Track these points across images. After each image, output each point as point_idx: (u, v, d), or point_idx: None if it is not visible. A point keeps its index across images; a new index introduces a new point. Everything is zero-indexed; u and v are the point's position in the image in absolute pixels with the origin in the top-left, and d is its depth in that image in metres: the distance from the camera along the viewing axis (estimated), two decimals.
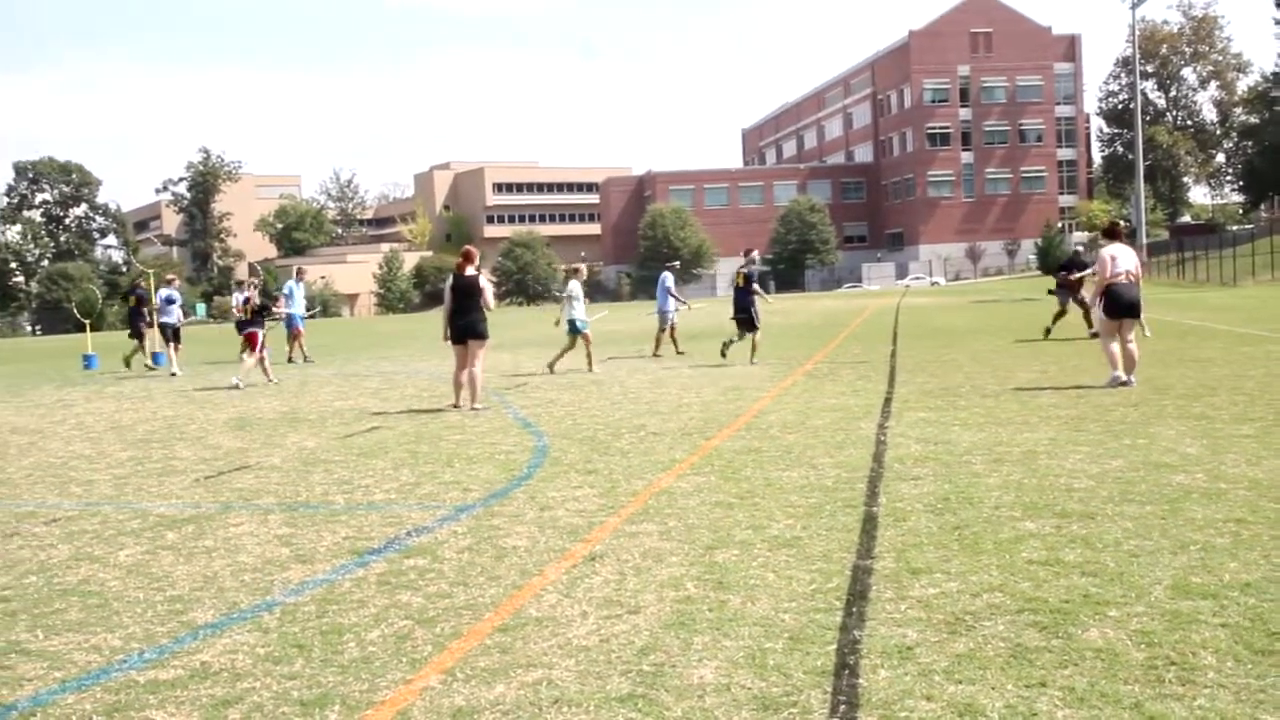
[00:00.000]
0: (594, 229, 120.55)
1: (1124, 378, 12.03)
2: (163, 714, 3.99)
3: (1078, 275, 20.71)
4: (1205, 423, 9.38)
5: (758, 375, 15.93)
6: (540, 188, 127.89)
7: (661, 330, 21.20)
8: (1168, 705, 3.61)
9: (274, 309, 19.19)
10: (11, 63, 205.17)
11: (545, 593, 5.25)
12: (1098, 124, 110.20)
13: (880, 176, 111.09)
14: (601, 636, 4.58)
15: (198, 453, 10.67)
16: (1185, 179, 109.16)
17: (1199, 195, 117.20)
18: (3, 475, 9.85)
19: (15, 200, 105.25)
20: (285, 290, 24.09)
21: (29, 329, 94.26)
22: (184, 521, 7.37)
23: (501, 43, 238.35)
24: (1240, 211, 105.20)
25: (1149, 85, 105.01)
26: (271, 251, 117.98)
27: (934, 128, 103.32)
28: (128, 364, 23.94)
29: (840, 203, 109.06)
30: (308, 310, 26.92)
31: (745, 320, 17.93)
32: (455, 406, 13.16)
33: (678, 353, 20.94)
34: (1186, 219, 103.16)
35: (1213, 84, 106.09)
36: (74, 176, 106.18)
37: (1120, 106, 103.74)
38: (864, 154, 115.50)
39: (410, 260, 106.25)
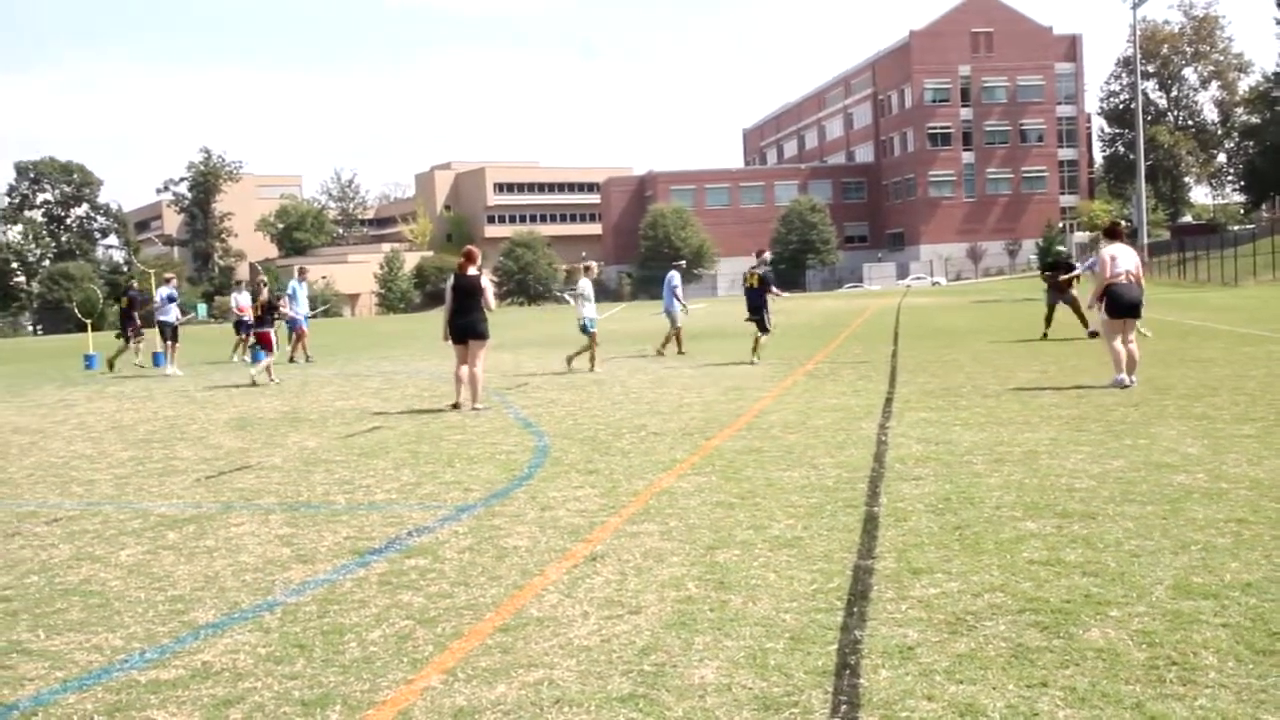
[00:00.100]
0: (595, 229, 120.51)
1: (1126, 380, 12.03)
2: (164, 714, 3.99)
3: (1065, 276, 20.80)
4: (1206, 423, 9.38)
5: (759, 375, 15.93)
6: (541, 188, 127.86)
7: (675, 328, 21.18)
8: (1169, 705, 3.61)
9: (280, 309, 19.21)
10: (13, 62, 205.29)
11: (546, 593, 5.26)
12: (1099, 124, 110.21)
13: (881, 176, 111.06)
14: (602, 636, 4.58)
15: (199, 453, 10.67)
16: (1186, 179, 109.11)
17: (1200, 195, 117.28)
18: (4, 475, 9.85)
19: (17, 200, 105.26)
20: (289, 290, 24.10)
21: (30, 329, 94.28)
22: (185, 521, 7.38)
23: (502, 42, 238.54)
24: (1241, 212, 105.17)
25: (1150, 85, 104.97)
26: (273, 251, 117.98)
27: (935, 128, 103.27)
28: (111, 366, 23.97)
29: (841, 203, 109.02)
30: (313, 309, 26.94)
31: (758, 322, 18.20)
32: (455, 405, 13.14)
33: (679, 353, 20.94)
34: (1188, 219, 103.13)
35: (1214, 84, 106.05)
36: (75, 176, 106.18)
37: (1121, 106, 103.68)
38: (865, 154, 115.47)
39: (411, 260, 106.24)
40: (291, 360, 23.68)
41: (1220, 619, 4.40)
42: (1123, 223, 14.98)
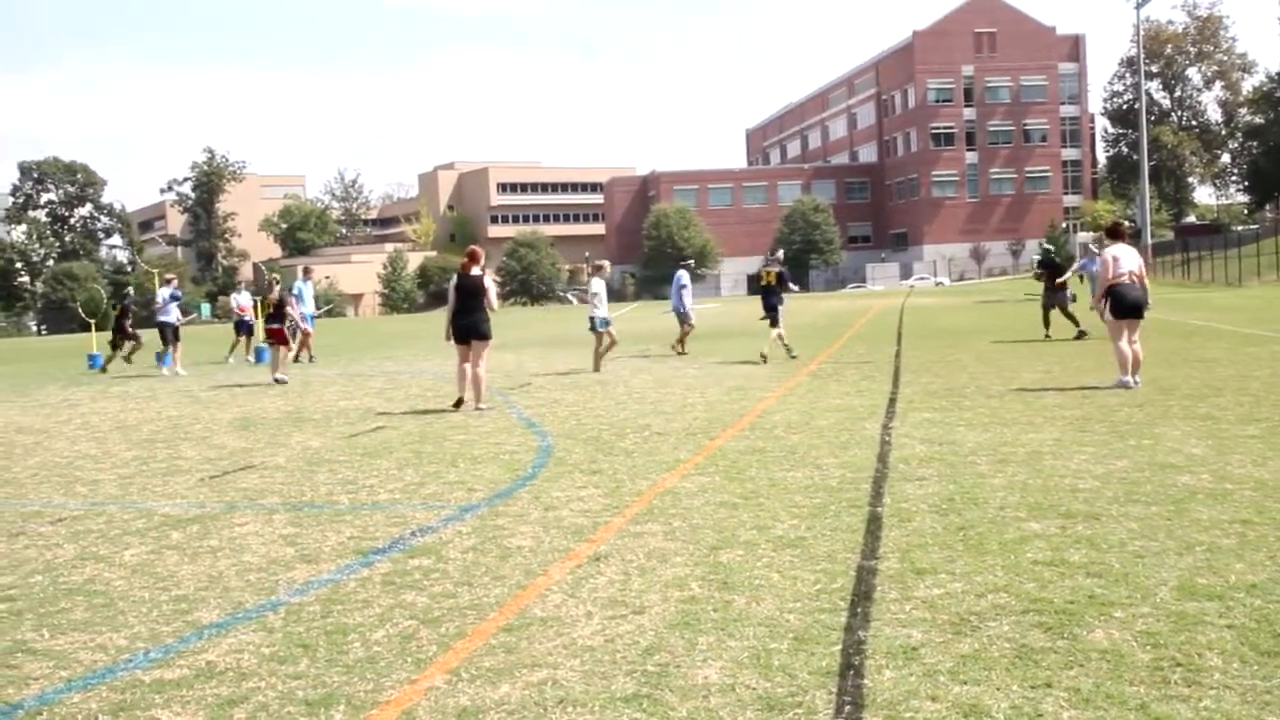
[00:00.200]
0: (598, 229, 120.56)
1: (1131, 381, 12.01)
2: (168, 713, 3.99)
3: (1060, 279, 20.81)
4: (1211, 423, 9.37)
5: (762, 375, 15.92)
6: (544, 188, 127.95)
7: (690, 327, 21.16)
8: (1173, 706, 3.60)
9: (287, 310, 19.25)
10: (17, 62, 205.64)
11: (550, 593, 5.26)
12: (1102, 124, 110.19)
13: (884, 176, 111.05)
14: (606, 637, 4.58)
15: (202, 452, 10.68)
16: (1190, 179, 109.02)
17: (1204, 195, 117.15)
18: (9, 475, 9.86)
19: (20, 200, 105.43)
20: (294, 290, 24.10)
21: (34, 329, 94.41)
22: (189, 521, 7.38)
23: (506, 43, 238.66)
24: (1245, 212, 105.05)
25: (1154, 85, 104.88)
26: (276, 251, 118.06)
27: (938, 128, 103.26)
28: (104, 369, 24.20)
29: (844, 203, 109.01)
30: (319, 309, 26.96)
31: (774, 320, 18.28)
32: (459, 403, 13.09)
33: (681, 352, 20.92)
34: (1191, 219, 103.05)
35: (1218, 84, 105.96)
36: (79, 176, 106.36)
37: (1125, 107, 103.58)
38: (868, 154, 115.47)
39: (414, 260, 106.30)
40: (295, 360, 23.68)
41: (1225, 620, 4.39)
42: (1126, 223, 14.98)
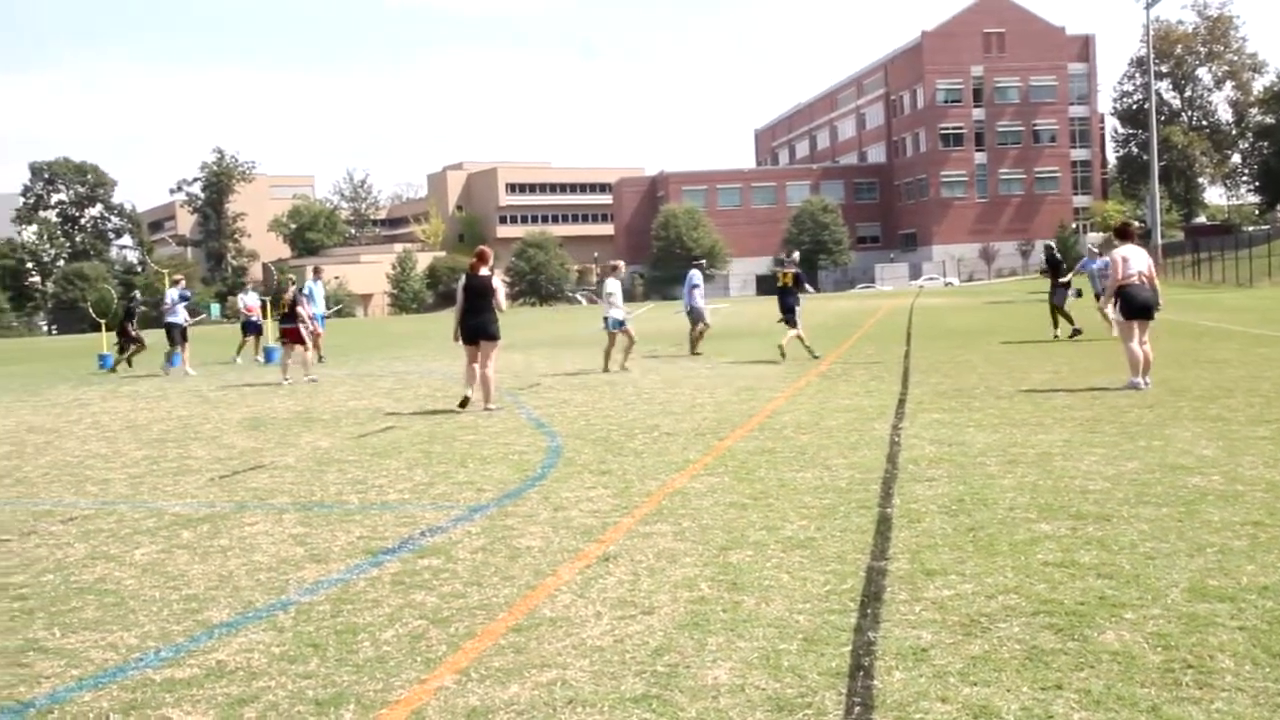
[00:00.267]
0: (607, 229, 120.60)
1: (1141, 383, 11.98)
2: (179, 712, 4.00)
3: (1064, 279, 20.83)
4: (1222, 424, 9.34)
5: (771, 376, 15.91)
6: (553, 188, 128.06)
7: (704, 327, 21.17)
8: (1185, 709, 3.59)
9: (299, 310, 19.30)
10: (29, 63, 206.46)
11: (559, 593, 5.26)
12: (1112, 124, 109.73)
13: (893, 177, 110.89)
14: (615, 637, 4.58)
15: (212, 452, 10.71)
16: (1200, 179, 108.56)
17: (1214, 196, 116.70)
18: (20, 474, 9.90)
19: (31, 200, 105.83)
20: (305, 291, 24.15)
21: (45, 328, 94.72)
22: (199, 521, 7.40)
23: (517, 43, 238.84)
24: (1256, 212, 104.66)
25: (1164, 85, 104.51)
26: (285, 252, 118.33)
27: (947, 128, 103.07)
28: (114, 369, 24.42)
29: (853, 203, 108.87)
30: (328, 309, 26.99)
31: (790, 321, 18.43)
32: (465, 401, 13.00)
33: (696, 353, 20.91)
34: (1202, 220, 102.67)
35: (1228, 84, 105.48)
36: (89, 177, 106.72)
37: (1135, 107, 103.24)
38: (877, 154, 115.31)
39: (423, 260, 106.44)
40: (320, 360, 23.71)
41: (1237, 622, 4.38)
42: (1135, 223, 14.96)
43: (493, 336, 12.89)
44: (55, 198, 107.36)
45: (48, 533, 7.24)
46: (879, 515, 6.55)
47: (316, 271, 26.24)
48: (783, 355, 18.04)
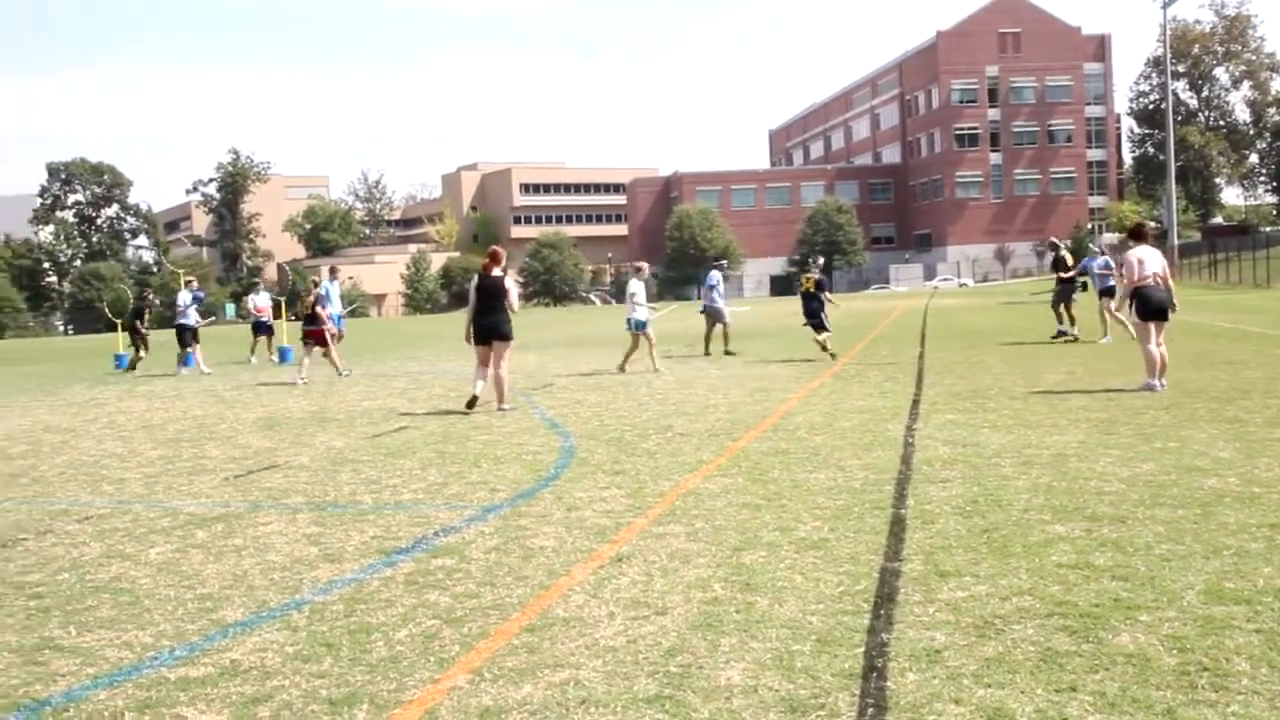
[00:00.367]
0: (621, 230, 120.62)
1: (1157, 385, 11.92)
2: (193, 711, 4.02)
3: (1065, 275, 20.95)
4: (1238, 426, 9.29)
5: (785, 377, 15.90)
6: (567, 188, 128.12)
7: (726, 326, 21.21)
8: (1200, 711, 3.57)
9: (319, 312, 19.38)
10: (45, 64, 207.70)
11: (572, 593, 5.26)
12: (1128, 124, 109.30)
13: (908, 177, 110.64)
14: (628, 637, 4.58)
15: (227, 452, 10.75)
16: (1217, 180, 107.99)
17: (1231, 196, 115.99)
18: (36, 473, 9.95)
19: (49, 201, 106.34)
20: (322, 290, 24.20)
21: (62, 328, 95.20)
22: (214, 520, 7.43)
23: (532, 44, 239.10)
24: (1274, 213, 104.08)
25: (1180, 85, 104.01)
26: (300, 252, 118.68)
27: (962, 128, 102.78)
28: (129, 368, 24.53)
29: (868, 203, 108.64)
30: (346, 307, 27.05)
31: (816, 325, 18.58)
32: (471, 403, 12.89)
33: (705, 354, 20.93)
34: (1218, 220, 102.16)
35: (1245, 84, 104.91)
36: (106, 177, 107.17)
37: (1151, 107, 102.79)
38: (891, 155, 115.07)
39: (438, 261, 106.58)
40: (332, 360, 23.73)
41: (1253, 625, 4.35)
42: (1151, 224, 14.98)
43: (505, 337, 12.90)
44: (72, 198, 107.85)
45: (64, 532, 7.28)
46: (893, 516, 6.54)
47: (333, 272, 26.28)
48: (832, 356, 18.28)
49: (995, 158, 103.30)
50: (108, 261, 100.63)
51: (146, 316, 25.65)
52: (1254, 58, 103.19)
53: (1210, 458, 7.90)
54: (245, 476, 9.20)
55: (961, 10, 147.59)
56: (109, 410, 15.58)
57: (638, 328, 17.87)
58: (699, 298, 21.84)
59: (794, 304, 18.87)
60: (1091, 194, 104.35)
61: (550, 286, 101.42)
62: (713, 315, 21.12)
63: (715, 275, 21.48)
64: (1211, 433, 9.01)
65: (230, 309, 74.87)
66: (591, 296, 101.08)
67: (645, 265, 19.40)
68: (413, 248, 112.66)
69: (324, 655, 4.55)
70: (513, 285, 13.17)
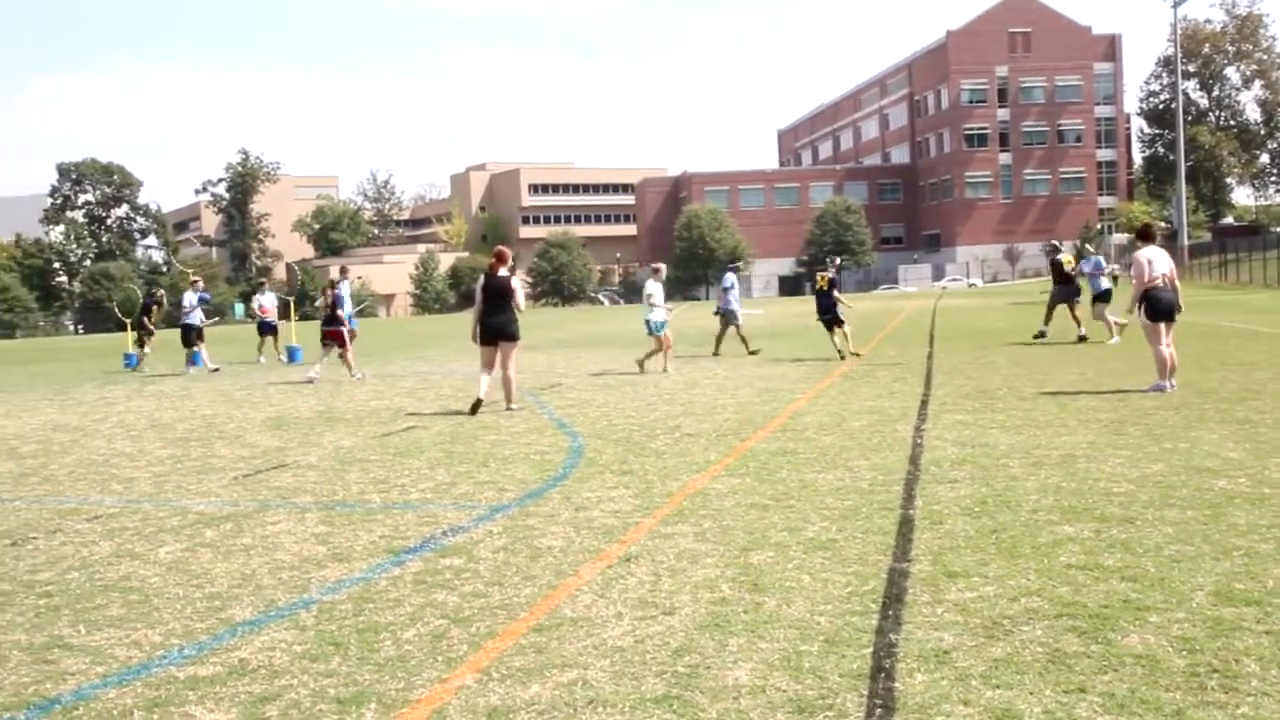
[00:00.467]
0: (630, 230, 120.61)
1: (1167, 386, 11.89)
2: (202, 710, 4.02)
3: (1064, 278, 21.09)
4: (1249, 427, 9.26)
5: (793, 377, 15.89)
6: (576, 189, 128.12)
7: (739, 328, 21.24)
8: (1210, 713, 3.56)
9: (339, 313, 19.41)
10: (56, 65, 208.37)
11: (580, 593, 5.26)
12: (1138, 124, 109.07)
13: (917, 177, 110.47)
14: (636, 637, 4.58)
15: (236, 451, 10.77)
16: (1228, 180, 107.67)
17: (1242, 196, 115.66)
18: (46, 472, 9.98)
19: (59, 201, 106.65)
20: (340, 291, 24.20)
21: (72, 328, 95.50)
22: (222, 519, 7.45)
23: (539, 44, 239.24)
24: None
25: (1191, 85, 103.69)
26: (309, 252, 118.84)
27: (972, 128, 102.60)
28: (139, 367, 24.64)
29: (877, 204, 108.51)
30: (355, 307, 27.06)
31: (832, 320, 18.83)
32: (475, 407, 12.74)
33: (715, 353, 20.92)
34: (1229, 220, 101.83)
35: (1257, 83, 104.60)
36: (115, 177, 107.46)
37: (1161, 107, 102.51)
38: (900, 155, 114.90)
39: (446, 261, 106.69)
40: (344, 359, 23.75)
41: (1263, 626, 4.34)
42: (1162, 224, 14.99)
43: (512, 337, 12.90)
44: (82, 198, 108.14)
45: (73, 530, 7.30)
46: (901, 517, 6.53)
47: (343, 271, 26.33)
48: (855, 354, 18.67)
49: (1005, 158, 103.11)
50: (117, 261, 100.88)
51: (155, 312, 25.76)
52: (1265, 57, 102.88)
53: (1220, 458, 7.87)
54: (254, 476, 9.22)
55: (971, 10, 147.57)
56: (118, 409, 15.62)
57: (658, 329, 17.87)
58: (708, 298, 21.92)
59: (803, 304, 18.89)
60: (1101, 194, 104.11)
61: (559, 286, 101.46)
62: (727, 318, 21.15)
63: (730, 277, 21.53)
64: (1222, 433, 8.98)
65: (239, 309, 75.11)
66: (600, 297, 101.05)
67: (663, 266, 19.42)
68: (421, 248, 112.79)
69: (332, 654, 4.55)
70: (518, 285, 13.16)
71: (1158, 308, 12.01)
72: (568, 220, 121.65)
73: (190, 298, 23.15)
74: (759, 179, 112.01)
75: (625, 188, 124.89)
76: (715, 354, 20.91)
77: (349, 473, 9.13)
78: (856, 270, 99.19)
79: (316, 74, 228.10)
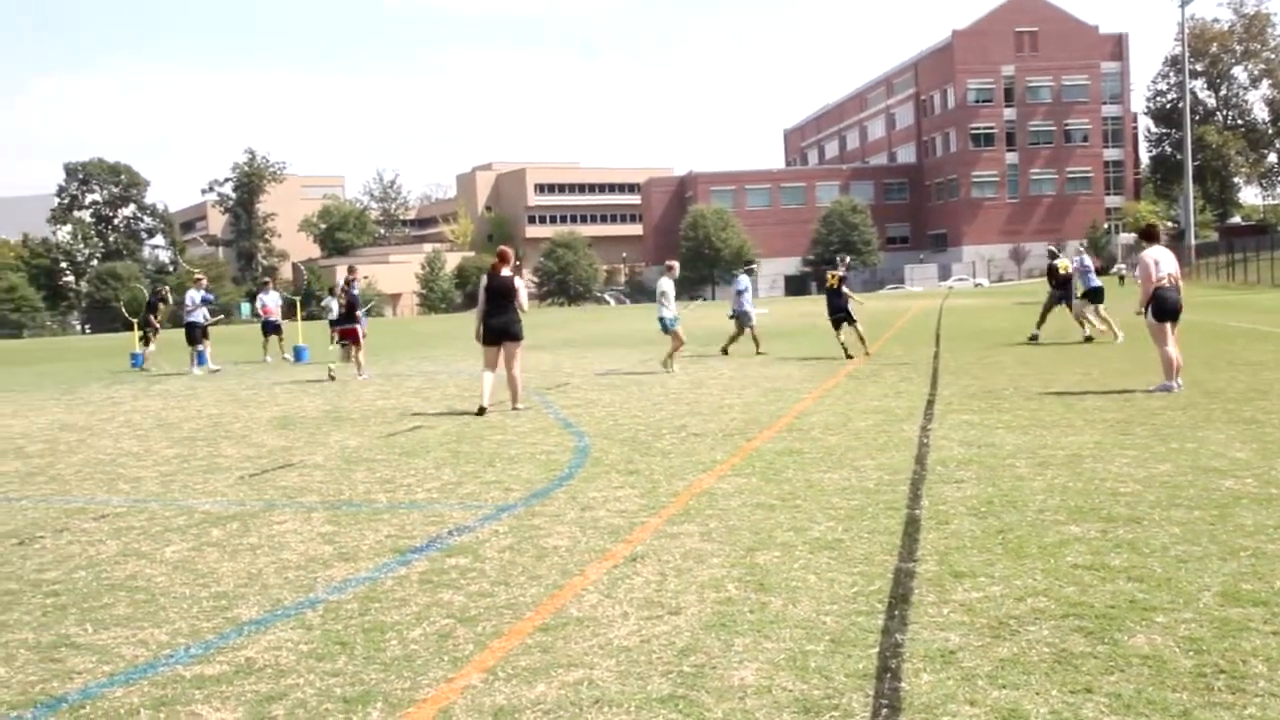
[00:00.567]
0: (635, 229, 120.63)
1: (1174, 386, 11.87)
2: (208, 709, 4.03)
3: (1062, 275, 21.25)
4: (1256, 427, 9.23)
5: (799, 377, 15.88)
6: (582, 188, 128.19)
7: (752, 329, 21.27)
8: (1217, 714, 3.55)
9: (356, 313, 19.45)
10: (63, 65, 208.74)
11: (586, 593, 5.26)
12: (1145, 124, 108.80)
13: (923, 177, 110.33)
14: (642, 637, 4.58)
15: (242, 450, 10.79)
16: (1235, 179, 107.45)
17: (1250, 196, 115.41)
18: (53, 471, 10.01)
19: (66, 201, 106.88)
20: (355, 291, 24.23)
21: (78, 327, 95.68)
22: (229, 519, 7.46)
23: (545, 44, 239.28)
24: None
25: (1198, 84, 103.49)
26: (315, 251, 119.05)
27: (978, 128, 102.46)
28: (145, 367, 24.71)
29: (883, 203, 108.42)
30: (362, 306, 27.09)
31: (843, 318, 19.03)
32: (481, 412, 12.60)
33: (723, 352, 20.92)
34: (1236, 220, 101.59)
35: (1264, 82, 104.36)
36: (123, 177, 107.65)
37: (1169, 106, 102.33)
38: (907, 154, 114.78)
39: (452, 260, 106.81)
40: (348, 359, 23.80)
41: (1270, 626, 4.32)
42: (1169, 224, 14.98)
43: (516, 337, 12.89)
44: (89, 198, 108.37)
45: (80, 530, 7.32)
46: (907, 517, 6.52)
47: (352, 271, 26.36)
48: (867, 352, 18.72)
49: (1011, 157, 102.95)
50: (124, 261, 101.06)
51: (160, 310, 25.86)
52: (1273, 56, 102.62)
53: (1227, 458, 7.85)
54: (260, 475, 9.23)
55: (978, 9, 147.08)
56: (125, 409, 15.65)
57: (672, 325, 17.88)
58: (714, 297, 22.01)
59: (809, 304, 18.89)
60: (1108, 194, 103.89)
61: (565, 286, 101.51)
62: (741, 320, 21.17)
63: (744, 280, 21.60)
64: (1229, 433, 8.96)
65: (245, 308, 75.25)
66: (606, 296, 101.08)
67: (675, 264, 19.41)
68: (428, 247, 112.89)
69: (338, 654, 4.56)
70: (522, 285, 13.14)
71: (1164, 308, 11.99)
72: (573, 220, 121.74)
73: (193, 296, 23.21)
74: (765, 179, 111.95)
75: (631, 187, 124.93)
76: (724, 352, 20.91)
77: (355, 472, 9.14)
78: (862, 270, 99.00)
79: (317, 74, 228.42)
